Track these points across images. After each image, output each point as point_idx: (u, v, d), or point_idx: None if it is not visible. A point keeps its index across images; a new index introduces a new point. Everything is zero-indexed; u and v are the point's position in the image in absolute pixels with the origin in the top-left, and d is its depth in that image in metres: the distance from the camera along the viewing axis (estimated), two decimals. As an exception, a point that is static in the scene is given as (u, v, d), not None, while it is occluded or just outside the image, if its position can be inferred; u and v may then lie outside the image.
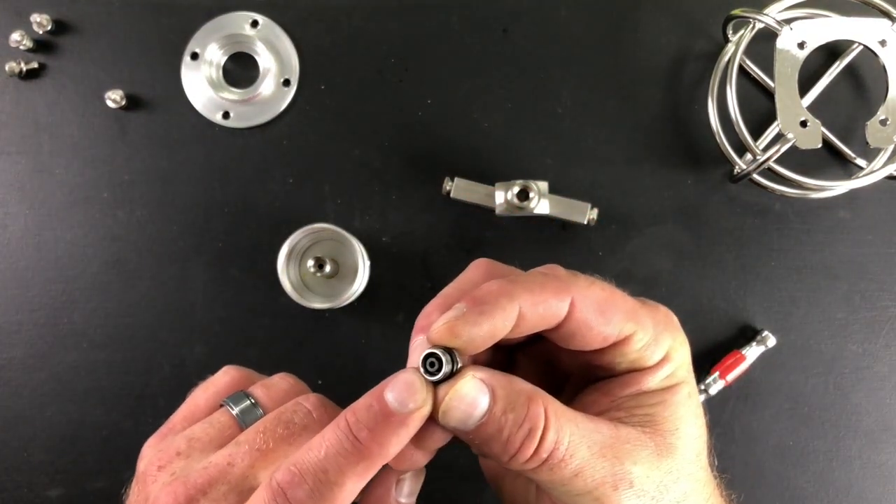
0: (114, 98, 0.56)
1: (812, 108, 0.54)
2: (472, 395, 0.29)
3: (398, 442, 0.29)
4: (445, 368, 0.29)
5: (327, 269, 0.54)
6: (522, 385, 0.30)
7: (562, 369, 0.37)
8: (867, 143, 0.53)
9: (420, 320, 0.33)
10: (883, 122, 0.53)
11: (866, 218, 0.58)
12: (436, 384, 0.30)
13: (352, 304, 0.56)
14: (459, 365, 0.30)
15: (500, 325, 0.29)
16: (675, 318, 0.34)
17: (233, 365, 0.41)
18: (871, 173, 0.54)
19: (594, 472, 0.30)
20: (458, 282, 0.34)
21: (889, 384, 0.57)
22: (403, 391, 0.29)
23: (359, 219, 0.57)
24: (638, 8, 0.59)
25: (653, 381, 0.33)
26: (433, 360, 0.29)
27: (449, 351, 0.29)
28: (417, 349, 0.31)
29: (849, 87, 0.58)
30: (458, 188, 0.55)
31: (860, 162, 0.57)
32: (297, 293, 0.54)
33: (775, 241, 0.58)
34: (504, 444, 0.29)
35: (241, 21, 0.58)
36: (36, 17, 0.57)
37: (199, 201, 0.57)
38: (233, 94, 0.57)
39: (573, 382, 0.37)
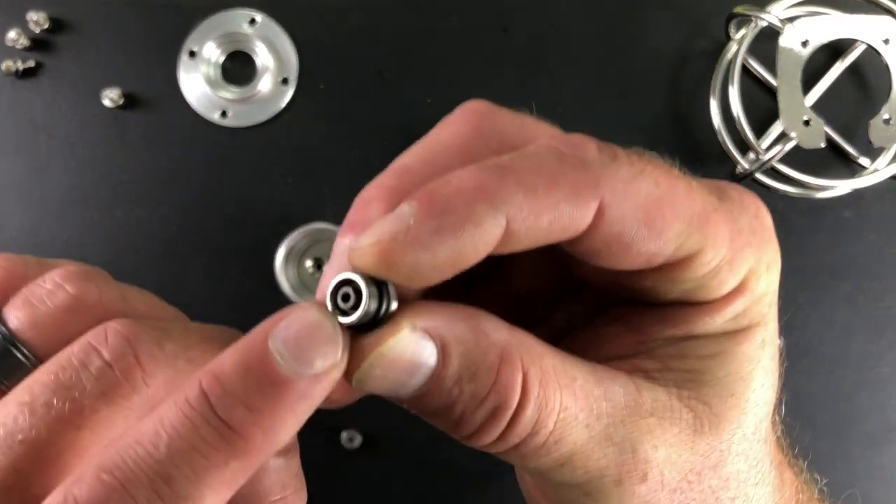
0: (111, 97, 0.56)
1: (815, 107, 0.54)
2: (406, 359, 0.19)
3: (295, 423, 0.19)
4: (365, 308, 0.19)
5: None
6: (493, 335, 0.20)
7: (573, 275, 0.25)
8: (870, 142, 0.52)
9: (354, 212, 0.22)
10: (886, 122, 0.52)
11: (870, 218, 0.57)
12: (353, 329, 0.19)
13: (351, 304, 0.55)
14: (393, 304, 0.20)
15: (468, 250, 0.19)
16: (767, 220, 0.24)
17: (1, 254, 0.26)
18: (875, 173, 0.54)
19: (589, 460, 0.21)
20: (425, 145, 0.23)
21: (893, 385, 0.57)
22: (303, 342, 0.18)
23: (358, 219, 0.57)
24: (639, 6, 0.58)
25: (713, 323, 0.22)
26: (348, 291, 0.19)
27: (378, 282, 0.19)
28: (334, 265, 0.21)
29: (852, 86, 0.58)
30: (459, 188, 0.55)
31: (864, 161, 0.56)
32: (295, 294, 0.54)
33: (778, 240, 0.57)
34: (455, 423, 0.20)
35: (239, 19, 0.58)
36: (33, 16, 0.56)
37: (196, 201, 0.57)
38: (231, 92, 0.57)
39: (588, 296, 0.26)
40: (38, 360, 0.22)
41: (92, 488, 0.17)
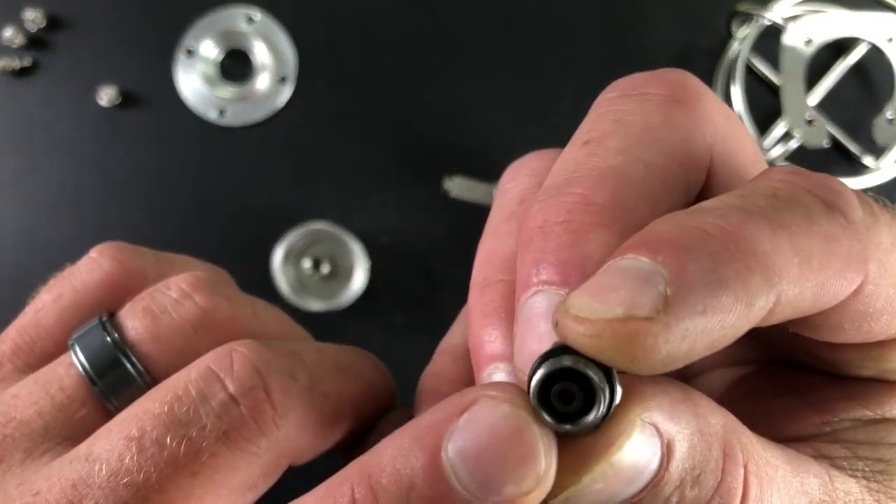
0: (107, 96, 0.56)
1: (819, 106, 0.53)
2: (638, 463, 0.14)
3: None
4: (597, 412, 0.14)
5: (324, 269, 0.53)
6: (713, 422, 0.15)
7: None
8: (874, 141, 0.52)
9: (557, 243, 0.16)
10: (890, 121, 0.52)
11: (873, 217, 0.57)
12: (562, 434, 0.14)
13: (351, 305, 0.55)
14: (618, 395, 0.14)
15: (728, 336, 0.14)
16: None
17: (115, 243, 0.23)
18: (879, 172, 0.53)
19: None
20: (631, 136, 0.17)
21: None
22: (489, 461, 0.13)
23: (357, 218, 0.56)
24: (640, 3, 0.58)
25: None
26: (570, 388, 0.14)
27: (605, 370, 0.14)
28: (531, 331, 0.15)
29: (856, 85, 0.58)
30: (459, 187, 0.54)
31: (868, 160, 0.56)
32: (294, 295, 0.53)
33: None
34: None
35: (237, 17, 0.57)
36: (29, 14, 0.56)
37: (193, 200, 0.56)
38: (228, 91, 0.56)
39: (736, 342, 0.21)
40: (153, 379, 0.19)
41: None
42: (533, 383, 0.14)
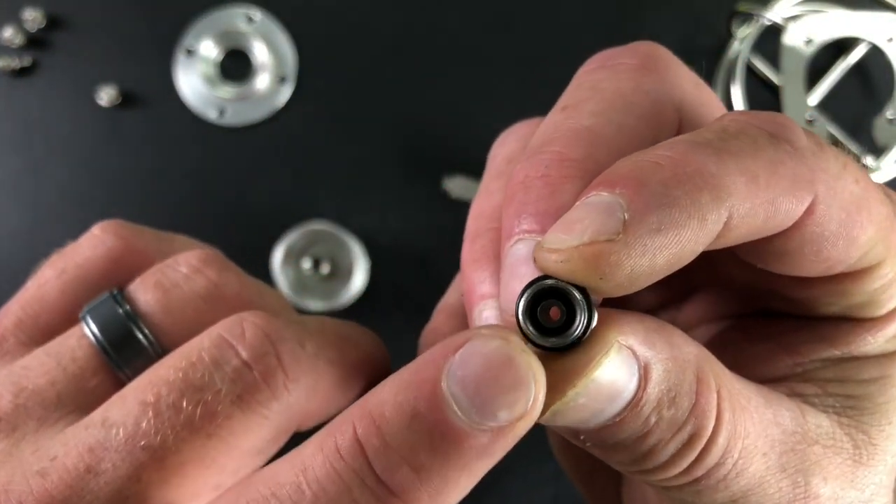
0: (107, 95, 0.56)
1: (819, 106, 0.53)
2: (617, 382, 0.16)
3: (469, 484, 0.15)
4: (580, 327, 0.16)
5: (324, 269, 0.53)
6: (686, 350, 0.17)
7: (695, 279, 0.22)
8: (875, 141, 0.52)
9: (537, 194, 0.17)
10: (891, 121, 0.52)
11: (874, 217, 0.57)
12: (549, 350, 0.16)
13: (351, 305, 0.55)
14: (595, 318, 0.16)
15: (687, 251, 0.15)
16: None
17: (116, 221, 0.23)
18: (880, 171, 0.53)
19: (765, 495, 0.18)
20: (605, 100, 0.18)
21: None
22: (485, 388, 0.14)
23: (357, 218, 0.56)
24: (640, 3, 0.58)
25: (875, 343, 0.20)
26: (553, 304, 0.16)
27: (581, 291, 0.16)
28: (515, 271, 0.17)
29: (856, 84, 0.58)
30: (459, 187, 0.54)
31: (868, 160, 0.56)
32: (294, 295, 0.53)
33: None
34: (642, 455, 0.17)
35: (237, 16, 0.57)
36: (29, 14, 0.56)
37: (193, 200, 0.56)
38: (228, 91, 0.56)
39: (701, 305, 0.23)
40: (164, 349, 0.20)
41: None
42: (521, 302, 0.16)
